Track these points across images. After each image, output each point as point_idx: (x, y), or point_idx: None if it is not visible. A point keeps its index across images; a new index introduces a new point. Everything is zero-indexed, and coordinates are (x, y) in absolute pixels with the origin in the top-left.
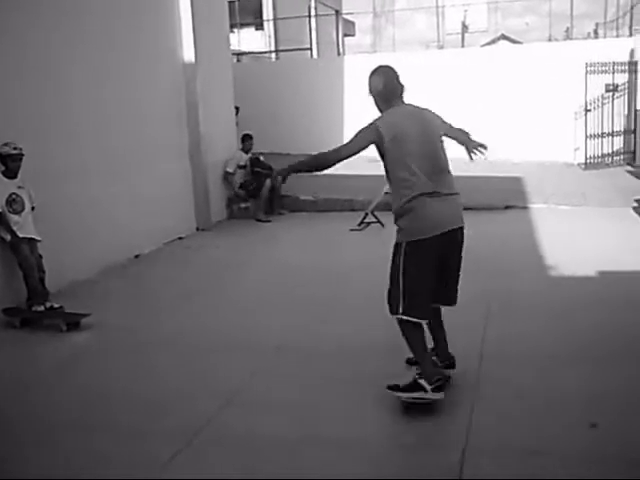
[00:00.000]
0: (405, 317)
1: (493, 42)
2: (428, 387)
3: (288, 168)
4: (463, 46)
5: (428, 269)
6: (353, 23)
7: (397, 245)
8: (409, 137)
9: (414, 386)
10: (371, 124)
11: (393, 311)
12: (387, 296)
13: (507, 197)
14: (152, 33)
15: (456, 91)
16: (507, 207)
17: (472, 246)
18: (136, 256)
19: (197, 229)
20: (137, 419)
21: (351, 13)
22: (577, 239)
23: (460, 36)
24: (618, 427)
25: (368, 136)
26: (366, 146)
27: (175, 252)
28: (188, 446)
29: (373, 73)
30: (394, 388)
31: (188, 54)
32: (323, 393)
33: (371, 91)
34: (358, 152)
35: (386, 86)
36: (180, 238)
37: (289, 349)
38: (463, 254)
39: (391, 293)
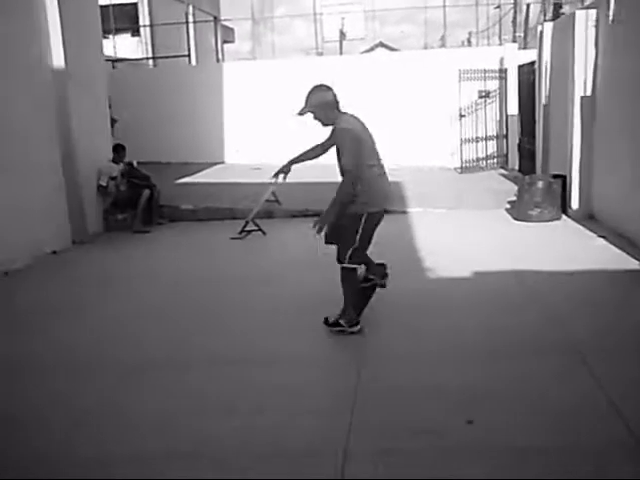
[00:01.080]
0: (350, 265)
1: (372, 49)
2: (347, 327)
3: (326, 218)
4: (341, 53)
5: (372, 232)
6: (232, 30)
7: (357, 215)
8: (365, 134)
9: (337, 324)
10: (347, 133)
11: (342, 261)
12: (338, 252)
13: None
14: (16, 39)
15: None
16: (386, 212)
17: None
18: (5, 273)
19: (73, 242)
20: None
21: (230, 19)
22: (453, 241)
23: (338, 44)
24: (494, 423)
25: (357, 143)
26: None
27: (49, 267)
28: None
29: (317, 88)
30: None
31: (57, 59)
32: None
33: (316, 104)
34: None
35: (334, 97)
36: (54, 252)
37: (159, 363)
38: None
39: (341, 250)
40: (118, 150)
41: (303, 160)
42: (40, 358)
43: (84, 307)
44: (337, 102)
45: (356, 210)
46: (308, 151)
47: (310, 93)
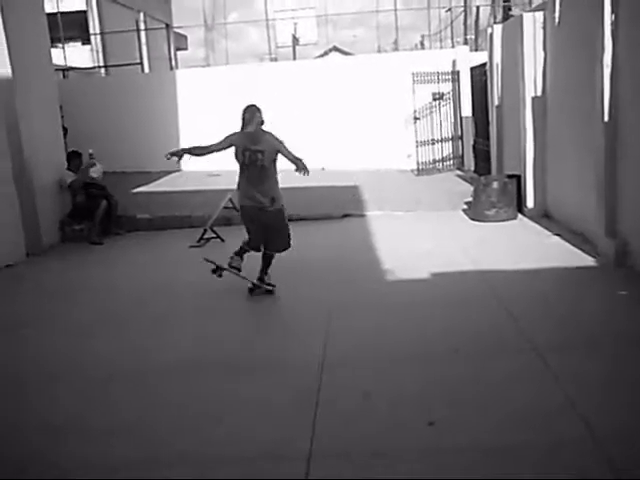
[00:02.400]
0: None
1: (325, 54)
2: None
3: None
4: (295, 58)
5: None
6: (185, 37)
7: (282, 208)
8: None
9: (268, 284)
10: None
11: (289, 246)
12: (286, 240)
13: (344, 206)
14: None
15: (291, 103)
16: (345, 215)
17: (311, 256)
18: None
19: (27, 254)
20: None
21: (182, 27)
22: (412, 243)
23: (291, 49)
24: (455, 423)
25: None
26: None
27: (2, 281)
28: None
29: (257, 109)
30: (266, 284)
31: (3, 68)
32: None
33: (258, 121)
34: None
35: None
36: (8, 266)
37: (120, 373)
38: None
39: (288, 237)
40: (73, 157)
41: (196, 153)
42: (4, 370)
43: (42, 318)
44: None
45: (280, 205)
46: (203, 147)
47: (252, 112)
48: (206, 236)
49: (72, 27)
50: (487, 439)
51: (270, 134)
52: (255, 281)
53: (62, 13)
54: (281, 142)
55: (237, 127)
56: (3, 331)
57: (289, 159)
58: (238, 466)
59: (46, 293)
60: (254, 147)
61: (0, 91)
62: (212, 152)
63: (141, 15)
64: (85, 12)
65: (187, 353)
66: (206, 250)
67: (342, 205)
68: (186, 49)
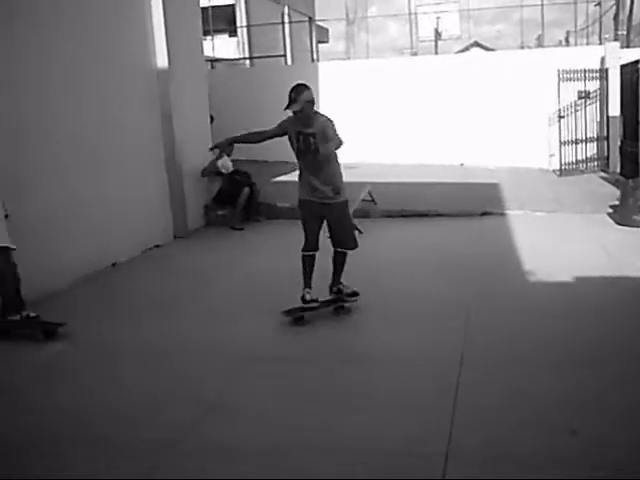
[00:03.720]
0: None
1: (466, 49)
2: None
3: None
4: (437, 53)
5: None
6: (327, 30)
7: (344, 204)
8: None
9: (353, 294)
10: (333, 123)
11: (357, 245)
12: (348, 238)
13: (484, 204)
14: (125, 39)
15: (430, 98)
16: (484, 214)
17: (449, 253)
18: (113, 264)
19: (174, 237)
20: (114, 431)
21: (324, 20)
22: (553, 245)
23: (433, 43)
24: (598, 433)
25: None
26: None
27: (152, 260)
28: (166, 459)
29: (304, 87)
30: (351, 295)
31: (161, 61)
32: (292, 402)
33: (307, 100)
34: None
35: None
36: (157, 246)
37: (262, 358)
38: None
39: (351, 233)
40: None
41: (250, 140)
42: (153, 345)
43: (184, 299)
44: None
45: (343, 198)
46: (257, 132)
47: (298, 91)
48: None
49: (221, 20)
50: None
51: (323, 116)
52: (333, 296)
53: (212, 7)
54: (331, 122)
55: (375, 118)
56: (144, 305)
57: (332, 140)
58: (375, 458)
59: (188, 274)
60: (306, 130)
61: (158, 80)
62: (266, 139)
63: (286, 9)
64: (233, 6)
65: (325, 343)
66: None
67: (481, 202)
68: (327, 42)
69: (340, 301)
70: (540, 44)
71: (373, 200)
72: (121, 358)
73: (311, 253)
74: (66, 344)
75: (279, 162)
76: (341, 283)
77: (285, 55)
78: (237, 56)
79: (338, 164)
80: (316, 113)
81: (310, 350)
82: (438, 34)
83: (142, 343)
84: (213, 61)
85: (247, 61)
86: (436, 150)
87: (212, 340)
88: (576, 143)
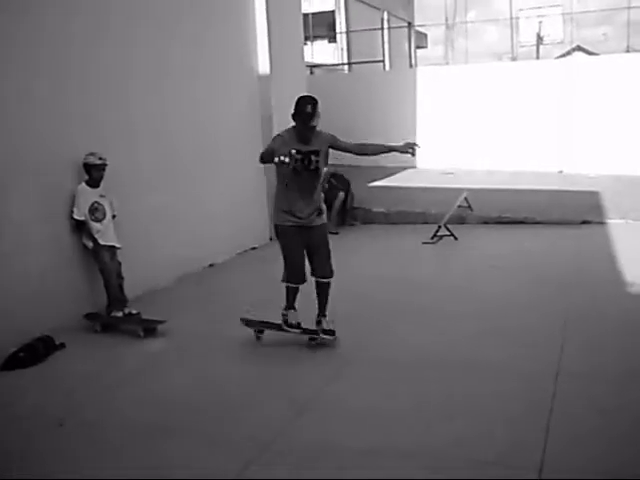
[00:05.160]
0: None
1: (568, 54)
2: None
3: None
4: (537, 58)
5: None
6: (425, 35)
7: (326, 225)
8: None
9: (330, 332)
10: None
11: (333, 273)
12: (328, 265)
13: (583, 212)
14: (229, 44)
15: (530, 103)
16: (583, 222)
17: (547, 262)
18: (210, 265)
19: (270, 239)
20: (209, 426)
21: (423, 25)
22: None
23: (534, 47)
24: None
25: None
26: None
27: (248, 261)
28: (260, 457)
29: (315, 100)
30: (327, 332)
31: (263, 66)
32: (397, 401)
33: (318, 115)
34: None
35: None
36: (253, 248)
37: (361, 359)
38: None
39: (329, 260)
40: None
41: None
42: (245, 344)
43: (280, 299)
44: None
45: (324, 218)
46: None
47: (315, 103)
48: (440, 233)
49: (320, 26)
50: None
51: (320, 131)
52: (318, 329)
53: (313, 13)
54: (332, 135)
55: (473, 124)
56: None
57: (351, 149)
58: (466, 469)
59: (279, 275)
60: (306, 147)
61: (259, 84)
62: (266, 162)
63: (385, 14)
64: (333, 12)
65: (419, 347)
66: (439, 247)
67: (581, 210)
68: (425, 47)
69: (316, 333)
70: None
71: (469, 206)
72: (216, 356)
73: (296, 286)
74: (165, 341)
75: (374, 167)
76: (325, 315)
77: (384, 60)
78: (336, 61)
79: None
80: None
81: (419, 353)
82: (540, 38)
83: (235, 342)
84: (313, 67)
85: (346, 67)
86: (535, 157)
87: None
88: None
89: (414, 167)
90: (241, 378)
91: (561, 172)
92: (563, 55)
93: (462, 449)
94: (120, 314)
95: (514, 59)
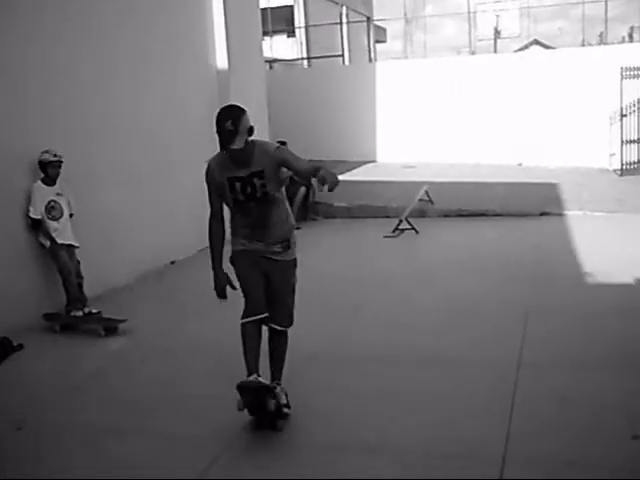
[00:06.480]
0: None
1: (526, 47)
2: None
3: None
4: (495, 52)
5: None
6: (384, 29)
7: (293, 262)
8: None
9: (284, 407)
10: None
11: (292, 323)
12: (288, 311)
13: (542, 203)
14: (185, 40)
15: (488, 97)
16: (542, 214)
17: (507, 253)
18: (172, 262)
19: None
20: (172, 424)
21: (382, 20)
22: (614, 246)
23: (492, 42)
24: None
25: None
26: None
27: (208, 258)
28: (224, 453)
29: (241, 110)
30: (281, 406)
31: (221, 61)
32: (360, 398)
33: (246, 128)
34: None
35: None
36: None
37: (323, 357)
38: None
39: (290, 306)
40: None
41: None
42: (208, 340)
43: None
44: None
45: (291, 255)
46: (210, 234)
47: (236, 116)
48: (401, 227)
49: (279, 20)
50: None
51: (261, 143)
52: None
53: (271, 8)
54: (281, 149)
55: (433, 118)
56: (204, 304)
57: (301, 172)
58: (431, 459)
59: None
60: (245, 172)
61: (217, 80)
62: (220, 217)
63: (344, 9)
64: (292, 7)
65: (380, 342)
66: (400, 240)
67: (540, 202)
68: (385, 42)
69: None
70: (602, 41)
71: (430, 200)
72: (179, 354)
73: (257, 317)
74: (127, 340)
75: (336, 161)
76: (279, 384)
77: (343, 55)
78: (295, 56)
79: (286, 204)
80: (253, 142)
81: (381, 349)
82: (497, 32)
83: (198, 339)
84: (272, 61)
85: (305, 61)
86: (494, 150)
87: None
88: (638, 142)
89: (374, 161)
90: (203, 374)
91: (520, 165)
92: (521, 49)
93: (426, 442)
94: (80, 313)
95: (472, 53)
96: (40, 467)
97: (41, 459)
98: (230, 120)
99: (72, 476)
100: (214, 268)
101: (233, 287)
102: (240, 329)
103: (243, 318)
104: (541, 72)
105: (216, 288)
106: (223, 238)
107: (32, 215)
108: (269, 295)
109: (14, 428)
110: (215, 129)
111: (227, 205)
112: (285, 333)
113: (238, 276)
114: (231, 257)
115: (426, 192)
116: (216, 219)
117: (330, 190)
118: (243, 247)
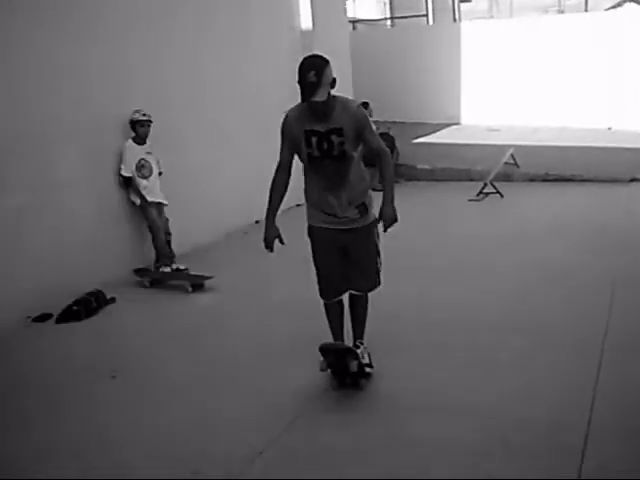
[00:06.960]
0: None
1: (619, 5)
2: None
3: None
4: (586, 10)
5: None
6: None
7: (373, 225)
8: None
9: (366, 366)
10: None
11: (378, 284)
12: (370, 275)
13: (633, 169)
14: (270, 1)
15: (578, 58)
16: (633, 180)
17: (595, 220)
18: (257, 221)
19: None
20: (260, 380)
21: None
22: None
23: (583, 0)
24: None
25: None
26: None
27: (295, 218)
28: (308, 409)
29: (325, 61)
30: (363, 365)
31: (305, 22)
32: (443, 362)
33: (329, 80)
34: None
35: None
36: (298, 205)
37: (405, 317)
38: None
39: (374, 270)
40: (365, 107)
41: (277, 206)
42: (294, 299)
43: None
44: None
45: (370, 219)
46: (274, 185)
47: (319, 67)
48: (485, 190)
49: None
50: None
51: (343, 100)
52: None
53: None
54: (364, 114)
55: (519, 80)
56: (288, 263)
57: (372, 148)
58: (511, 425)
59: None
60: (324, 127)
61: (302, 40)
62: (289, 170)
63: None
64: None
65: (462, 306)
66: (484, 204)
67: (630, 168)
68: (470, 1)
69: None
70: None
71: (516, 163)
72: (264, 310)
73: (335, 300)
74: (213, 296)
75: (418, 124)
76: (362, 343)
77: (427, 15)
78: (378, 16)
79: (362, 168)
80: (335, 97)
81: (463, 312)
82: None
83: (283, 298)
84: (355, 22)
85: (388, 21)
86: (582, 113)
87: None
88: None
89: (458, 123)
90: (287, 333)
91: (610, 129)
92: (613, 7)
93: (507, 408)
94: (168, 269)
95: (561, 12)
96: (133, 413)
97: (135, 405)
98: (313, 71)
99: (166, 427)
100: (267, 219)
101: (282, 242)
102: (323, 306)
103: (323, 298)
104: (635, 31)
105: (265, 240)
106: (284, 192)
107: (123, 173)
108: (349, 265)
109: (109, 375)
110: (297, 79)
111: (302, 162)
112: (366, 295)
113: (313, 252)
114: (309, 229)
115: (512, 155)
116: (282, 169)
117: (385, 230)
118: (319, 223)
